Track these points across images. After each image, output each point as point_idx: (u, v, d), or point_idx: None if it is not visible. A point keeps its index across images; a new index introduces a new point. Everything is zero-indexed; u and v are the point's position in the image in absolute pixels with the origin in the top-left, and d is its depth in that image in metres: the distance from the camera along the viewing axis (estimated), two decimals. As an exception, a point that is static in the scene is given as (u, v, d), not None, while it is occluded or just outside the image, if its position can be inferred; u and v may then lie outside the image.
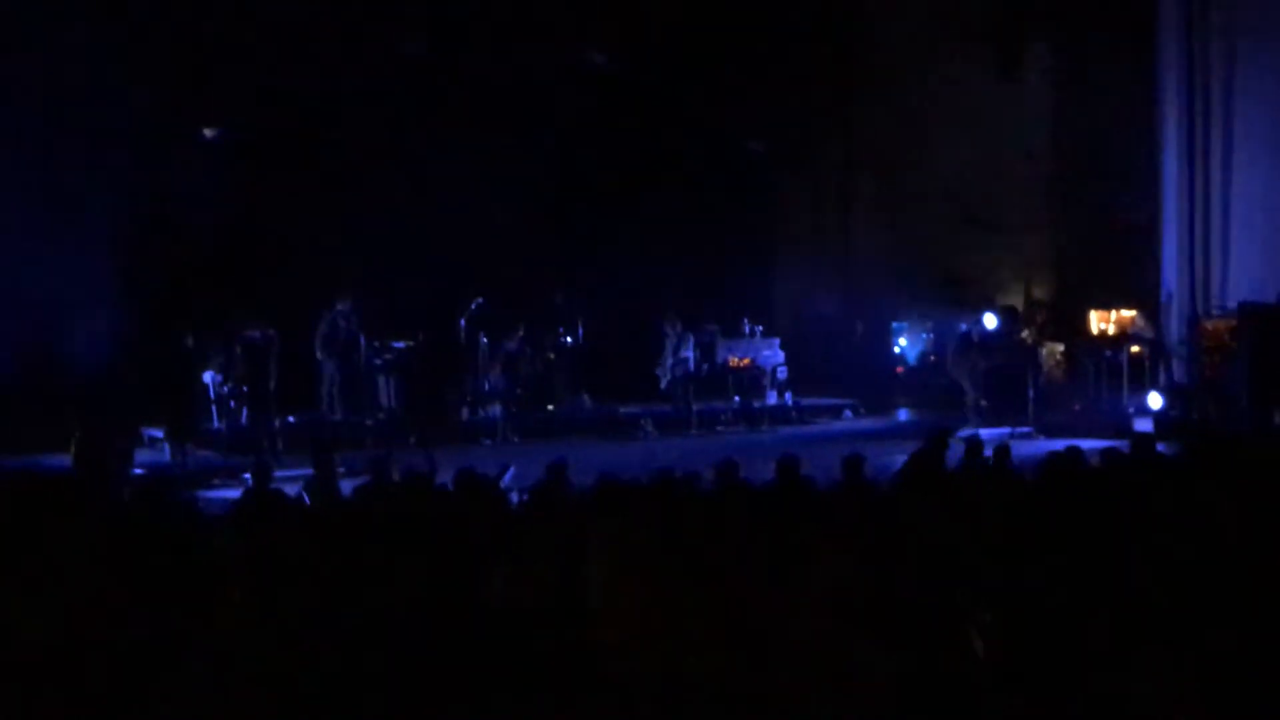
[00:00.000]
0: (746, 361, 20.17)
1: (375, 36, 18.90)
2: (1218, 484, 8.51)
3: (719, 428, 19.68)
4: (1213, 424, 16.76)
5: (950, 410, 19.15)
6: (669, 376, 19.88)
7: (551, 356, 19.47)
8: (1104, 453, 9.95)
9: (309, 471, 11.63)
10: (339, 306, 18.06)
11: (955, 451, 11.10)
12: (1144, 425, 17.30)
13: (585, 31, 20.36)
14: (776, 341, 20.62)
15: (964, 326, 19.93)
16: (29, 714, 5.37)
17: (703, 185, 20.90)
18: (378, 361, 18.38)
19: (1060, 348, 20.15)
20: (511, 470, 12.05)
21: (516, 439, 18.14)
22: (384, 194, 19.09)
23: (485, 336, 19.15)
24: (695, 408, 19.57)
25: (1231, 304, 18.74)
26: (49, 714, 5.38)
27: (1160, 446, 11.76)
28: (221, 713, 5.40)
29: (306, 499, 10.48)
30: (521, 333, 19.08)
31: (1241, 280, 19.01)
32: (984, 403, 19.11)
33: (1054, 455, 9.55)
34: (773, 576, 6.02)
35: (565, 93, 20.10)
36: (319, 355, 18.10)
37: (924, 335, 22.07)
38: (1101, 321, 19.84)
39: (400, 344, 18.52)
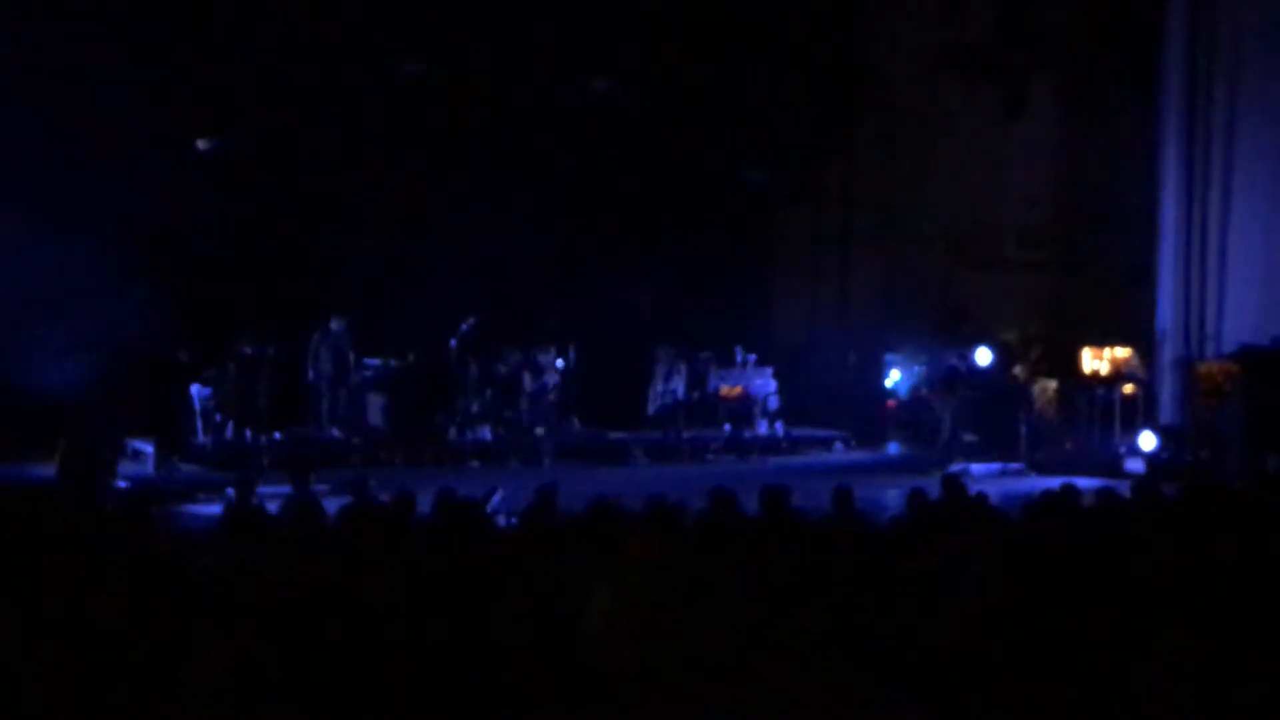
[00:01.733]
0: (738, 390, 20.07)
1: (374, 55, 18.87)
2: (1213, 528, 8.44)
3: (709, 456, 19.59)
4: (1206, 466, 16.69)
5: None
6: (657, 404, 19.80)
7: (543, 380, 19.35)
8: (1099, 492, 9.86)
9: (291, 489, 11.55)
10: (333, 326, 18.01)
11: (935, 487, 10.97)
12: (1135, 465, 17.27)
13: (586, 58, 20.33)
14: (769, 371, 20.52)
15: (953, 361, 19.86)
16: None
17: (702, 214, 20.84)
18: (367, 375, 18.33)
19: (1053, 385, 20.05)
20: (499, 494, 11.97)
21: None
22: (379, 212, 19.04)
23: (475, 358, 19.04)
24: (685, 435, 19.48)
25: (1226, 347, 18.69)
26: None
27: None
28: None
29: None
30: (512, 355, 18.98)
31: (1236, 323, 18.94)
32: (969, 438, 19.03)
33: (1049, 494, 9.46)
34: (766, 607, 5.93)
35: (564, 118, 20.04)
36: (311, 374, 18.05)
37: (916, 369, 21.97)
38: (1095, 360, 19.74)
39: (383, 361, 18.46)
